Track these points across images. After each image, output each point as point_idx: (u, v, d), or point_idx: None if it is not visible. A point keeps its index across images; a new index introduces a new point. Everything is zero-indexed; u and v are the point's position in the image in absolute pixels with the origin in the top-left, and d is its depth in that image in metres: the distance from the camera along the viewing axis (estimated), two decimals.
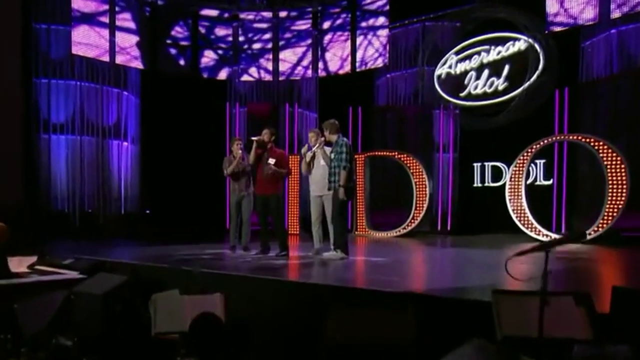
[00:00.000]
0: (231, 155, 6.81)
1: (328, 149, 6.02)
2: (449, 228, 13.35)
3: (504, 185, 10.95)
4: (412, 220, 11.80)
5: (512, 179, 10.18)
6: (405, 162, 11.83)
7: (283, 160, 6.32)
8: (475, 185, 12.64)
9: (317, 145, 5.97)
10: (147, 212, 12.98)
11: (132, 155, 12.84)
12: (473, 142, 11.68)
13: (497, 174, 12.33)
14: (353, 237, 11.59)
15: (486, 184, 12.27)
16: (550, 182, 10.51)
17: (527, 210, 10.01)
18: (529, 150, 9.99)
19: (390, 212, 13.56)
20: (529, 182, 10.16)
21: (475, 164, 12.64)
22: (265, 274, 5.03)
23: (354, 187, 5.92)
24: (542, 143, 9.79)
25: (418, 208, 11.78)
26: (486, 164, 12.38)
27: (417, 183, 11.74)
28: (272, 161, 6.22)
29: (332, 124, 5.83)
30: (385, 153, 12.25)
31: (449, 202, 13.26)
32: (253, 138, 6.16)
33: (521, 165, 10.14)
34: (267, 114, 13.24)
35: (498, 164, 12.31)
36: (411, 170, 11.79)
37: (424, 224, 11.59)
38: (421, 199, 11.74)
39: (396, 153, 11.97)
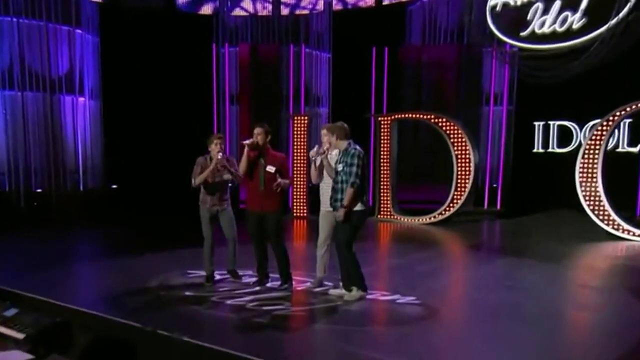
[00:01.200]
0: (207, 157, 6.26)
1: (334, 155, 5.80)
2: (498, 206, 13.24)
3: (573, 151, 10.59)
4: (451, 205, 11.47)
5: (588, 153, 9.60)
6: (444, 128, 11.35)
7: (285, 166, 6.10)
8: (535, 150, 12.40)
9: (321, 152, 5.73)
10: (113, 188, 12.80)
11: (91, 115, 12.45)
12: (535, 95, 11.13)
13: (565, 137, 11.83)
14: (374, 222, 11.61)
15: (550, 149, 12.07)
16: (638, 149, 10.55)
17: (603, 197, 9.68)
18: (617, 114, 9.24)
19: (424, 189, 13.30)
20: (608, 147, 9.75)
21: (536, 123, 12.31)
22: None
23: (364, 212, 5.59)
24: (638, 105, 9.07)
25: (459, 188, 11.41)
26: (551, 123, 12.02)
27: (459, 157, 11.32)
28: (271, 169, 5.96)
29: (340, 127, 5.59)
30: (418, 116, 11.86)
31: (499, 172, 13.14)
32: (244, 142, 5.86)
33: (600, 135, 9.49)
34: (271, 56, 13.09)
35: (567, 123, 11.84)
36: (451, 140, 11.34)
37: (467, 202, 11.42)
38: (463, 176, 11.35)
39: (432, 116, 11.49)
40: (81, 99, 12.24)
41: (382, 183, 12.05)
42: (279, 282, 6.35)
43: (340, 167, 5.57)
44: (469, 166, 11.26)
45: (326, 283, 6.31)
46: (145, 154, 12.72)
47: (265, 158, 6.06)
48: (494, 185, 13.17)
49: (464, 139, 11.27)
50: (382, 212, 12.10)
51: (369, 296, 6.00)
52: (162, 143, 12.62)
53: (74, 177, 12.15)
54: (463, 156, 11.32)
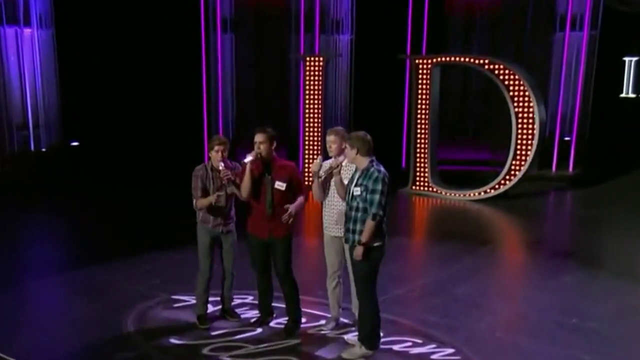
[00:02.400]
0: (207, 166, 6.33)
1: (347, 171, 5.86)
2: (570, 168, 13.05)
3: None
4: (509, 176, 11.28)
5: None
6: (501, 77, 11.00)
7: (296, 178, 6.15)
8: (623, 94, 12.32)
9: (334, 167, 5.84)
10: (73, 146, 12.67)
11: (42, 52, 12.01)
12: (627, 23, 11.43)
13: None
14: (407, 195, 11.80)
15: None
16: None
17: None
18: None
19: (473, 148, 13.08)
20: None
21: (627, 59, 12.12)
22: None
23: (384, 245, 5.67)
24: None
25: (518, 156, 11.16)
26: None
27: (520, 114, 10.98)
28: (281, 185, 6.03)
29: (363, 140, 5.62)
30: (466, 60, 11.45)
31: (574, 123, 12.87)
32: (245, 160, 5.95)
33: None
34: None
35: None
36: (510, 93, 10.98)
37: (529, 169, 11.29)
38: (524, 139, 11.09)
39: (485, 61, 11.10)
40: (27, 31, 11.89)
41: (418, 144, 11.79)
42: (283, 318, 6.40)
43: (357, 191, 5.61)
44: (532, 127, 10.95)
45: (343, 320, 6.41)
46: (114, 101, 12.52)
47: (273, 172, 6.07)
48: (566, 139, 13.02)
49: (526, 93, 10.90)
50: (417, 183, 11.93)
51: (395, 346, 6.02)
52: (136, 85, 12.42)
53: (22, 134, 11.96)
54: (525, 114, 10.98)
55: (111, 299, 7.03)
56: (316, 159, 6.10)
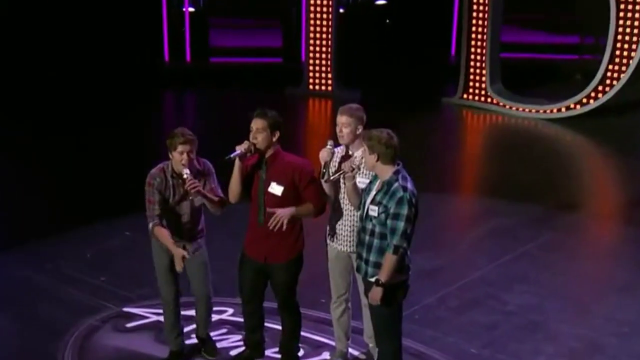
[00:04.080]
0: (167, 171, 6.33)
1: (362, 174, 5.99)
2: None
3: None
4: (602, 87, 11.28)
5: None
6: None
7: (304, 181, 6.10)
8: None
9: (350, 171, 5.83)
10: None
11: None
12: None
13: None
14: (455, 108, 12.03)
15: None
16: None
17: None
18: None
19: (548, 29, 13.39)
20: None
21: None
22: None
23: (406, 282, 5.78)
24: None
25: (618, 57, 11.07)
26: None
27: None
28: (275, 189, 6.05)
29: (385, 143, 5.60)
30: None
31: None
32: (232, 155, 5.90)
33: None
34: None
35: None
36: None
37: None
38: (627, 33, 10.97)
39: None
40: None
41: (474, 26, 11.67)
42: (274, 349, 6.55)
43: (374, 211, 5.67)
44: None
45: (352, 352, 6.47)
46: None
47: (268, 170, 6.08)
48: None
49: None
50: (469, 90, 12.06)
51: None
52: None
53: None
54: None
55: (38, 312, 6.96)
56: (327, 145, 6.02)
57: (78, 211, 8.93)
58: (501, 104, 11.68)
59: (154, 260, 6.44)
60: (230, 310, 6.84)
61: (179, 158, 6.09)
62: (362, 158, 5.83)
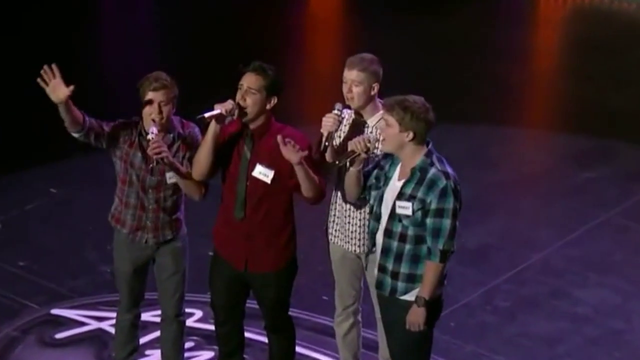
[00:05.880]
0: (140, 126, 6.28)
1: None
2: None
3: None
4: None
5: None
6: None
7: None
8: None
9: (360, 148, 5.74)
10: None
11: None
12: None
13: None
14: None
15: None
16: None
17: None
18: None
19: None
20: None
21: None
22: None
23: (441, 295, 5.90)
24: None
25: None
26: None
27: None
28: (264, 172, 6.06)
29: (424, 116, 5.58)
30: None
31: None
32: (209, 114, 5.83)
33: None
34: None
35: None
36: None
37: None
38: None
39: None
40: None
41: None
42: None
43: (406, 208, 5.64)
44: None
45: None
46: None
47: (255, 147, 6.06)
48: None
49: None
50: None
51: None
52: None
53: None
54: None
55: None
56: (334, 109, 5.92)
57: None
58: None
59: (114, 263, 6.39)
60: (199, 314, 6.97)
61: (148, 110, 6.00)
62: (378, 132, 5.75)
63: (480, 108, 9.81)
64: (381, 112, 5.86)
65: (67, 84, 6.07)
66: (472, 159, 8.86)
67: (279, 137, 5.86)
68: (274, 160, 5.91)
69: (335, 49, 13.14)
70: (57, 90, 6.02)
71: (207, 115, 5.73)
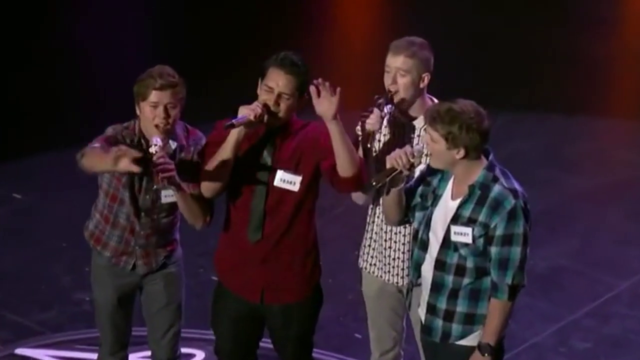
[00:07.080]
0: (135, 133, 6.30)
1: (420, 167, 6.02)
2: None
3: None
4: None
5: None
6: None
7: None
8: None
9: (403, 164, 5.65)
10: None
11: None
12: None
13: None
14: None
15: None
16: None
17: None
18: None
19: None
20: None
21: None
22: None
23: (503, 338, 5.92)
24: None
25: None
26: None
27: None
28: (292, 180, 6.16)
29: (477, 127, 5.51)
30: None
31: None
32: (237, 120, 5.91)
33: None
34: None
35: None
36: None
37: None
38: None
39: None
40: None
41: None
42: None
43: (465, 235, 5.63)
44: None
45: None
46: None
47: (277, 152, 6.13)
48: None
49: None
50: None
51: None
52: None
53: None
54: None
55: None
56: (380, 105, 5.86)
57: None
58: None
59: (93, 293, 6.38)
60: (200, 355, 7.16)
61: (151, 114, 5.92)
62: (425, 144, 5.59)
63: (556, 94, 9.79)
64: None
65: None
66: (544, 158, 8.74)
67: (313, 83, 5.78)
68: (299, 163, 5.93)
69: (376, 30, 13.28)
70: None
71: (235, 122, 5.73)
